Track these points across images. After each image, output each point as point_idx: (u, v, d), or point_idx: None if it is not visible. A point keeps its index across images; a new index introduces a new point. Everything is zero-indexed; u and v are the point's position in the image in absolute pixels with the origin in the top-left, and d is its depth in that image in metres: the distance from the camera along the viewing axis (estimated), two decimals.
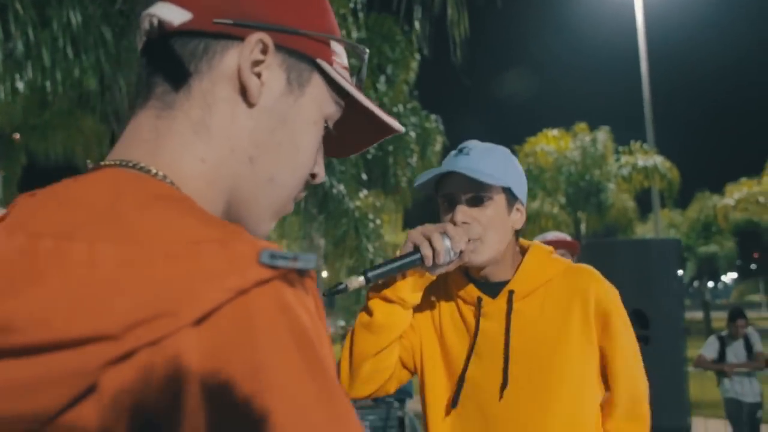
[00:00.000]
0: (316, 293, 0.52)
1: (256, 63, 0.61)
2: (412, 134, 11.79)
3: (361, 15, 9.11)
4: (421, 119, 12.29)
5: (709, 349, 7.11)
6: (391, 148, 11.08)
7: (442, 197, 1.50)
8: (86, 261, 0.46)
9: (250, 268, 0.46)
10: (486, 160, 1.46)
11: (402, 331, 1.45)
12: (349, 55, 0.72)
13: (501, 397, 1.42)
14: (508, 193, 1.48)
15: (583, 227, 18.23)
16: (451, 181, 1.46)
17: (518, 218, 1.51)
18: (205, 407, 0.42)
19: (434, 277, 1.48)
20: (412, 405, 6.03)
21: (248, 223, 0.65)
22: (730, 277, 74.60)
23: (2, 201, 12.89)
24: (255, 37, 0.61)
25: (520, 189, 1.51)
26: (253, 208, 0.64)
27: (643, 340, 4.62)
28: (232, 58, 0.61)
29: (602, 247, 4.86)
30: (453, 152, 1.52)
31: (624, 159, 17.81)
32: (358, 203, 10.03)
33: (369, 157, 11.07)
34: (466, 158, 1.46)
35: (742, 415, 6.65)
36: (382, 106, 11.43)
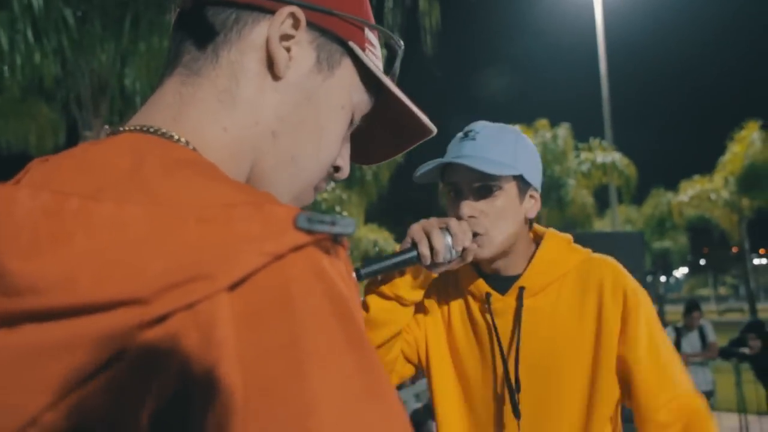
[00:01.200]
0: (347, 261, 0.50)
1: (287, 37, 0.60)
2: None
3: None
4: None
5: None
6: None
7: (447, 186, 1.37)
8: (115, 222, 0.43)
9: (287, 232, 0.44)
10: (494, 145, 1.32)
11: (400, 328, 1.37)
12: (384, 48, 0.71)
13: (510, 399, 1.33)
14: (520, 180, 1.34)
15: (543, 222, 18.54)
16: (457, 169, 1.32)
17: (532, 206, 1.37)
18: (240, 375, 0.40)
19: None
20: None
21: None
22: (681, 271, 76.91)
23: None
24: (287, 10, 0.59)
25: (534, 174, 1.37)
26: (272, 185, 0.63)
27: None
28: (263, 29, 0.60)
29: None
30: (459, 135, 1.38)
31: (583, 155, 18.16)
32: (324, 196, 10.00)
33: None
34: (472, 144, 1.32)
35: None
36: None
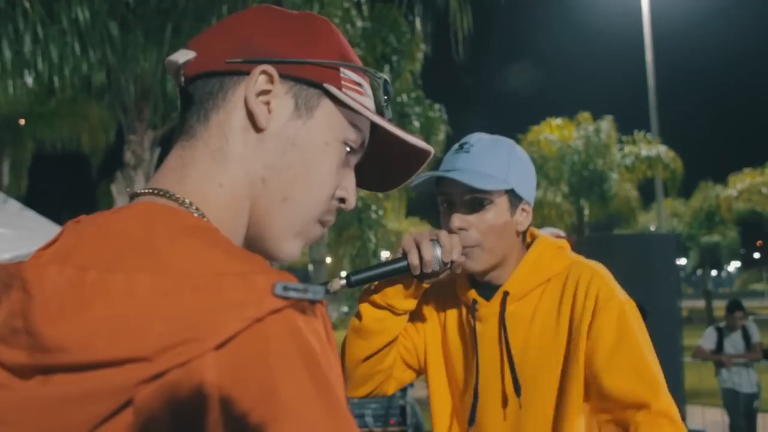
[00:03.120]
0: (326, 319, 0.60)
1: (264, 92, 0.69)
2: (416, 124, 11.81)
3: (365, 6, 9.10)
4: (424, 109, 12.30)
5: (707, 340, 7.17)
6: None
7: (441, 197, 1.40)
8: (125, 290, 0.54)
9: (266, 299, 0.53)
10: (487, 158, 1.35)
11: (393, 337, 1.38)
12: (374, 86, 0.77)
13: (505, 404, 1.36)
14: (512, 194, 1.36)
15: (586, 216, 18.25)
16: (450, 181, 1.34)
17: (523, 219, 1.39)
18: (223, 421, 0.51)
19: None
20: (414, 393, 6.14)
21: (270, 242, 0.71)
22: (733, 266, 74.41)
23: (10, 187, 12.97)
24: (258, 70, 0.68)
25: (526, 188, 1.39)
26: (271, 227, 0.71)
27: None
28: (242, 90, 0.69)
29: (602, 241, 4.93)
30: (454, 147, 1.41)
31: (627, 149, 17.75)
32: (360, 194, 10.11)
33: None
34: (466, 157, 1.35)
35: (739, 405, 6.74)
36: None
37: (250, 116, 0.68)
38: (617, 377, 1.27)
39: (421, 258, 1.25)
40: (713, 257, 30.61)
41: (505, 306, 1.38)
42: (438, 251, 1.26)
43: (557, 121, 18.32)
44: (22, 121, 12.40)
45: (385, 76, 0.78)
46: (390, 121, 0.77)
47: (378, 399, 4.41)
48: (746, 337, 7.02)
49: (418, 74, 12.22)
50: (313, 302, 0.57)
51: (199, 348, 0.51)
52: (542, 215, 17.52)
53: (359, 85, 0.74)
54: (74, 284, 0.55)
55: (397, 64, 11.52)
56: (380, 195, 12.51)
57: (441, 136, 12.77)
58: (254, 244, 0.72)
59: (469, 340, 1.43)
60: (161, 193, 0.67)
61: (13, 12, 4.50)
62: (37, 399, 0.52)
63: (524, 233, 1.44)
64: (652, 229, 23.85)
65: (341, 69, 0.72)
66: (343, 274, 1.23)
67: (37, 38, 4.50)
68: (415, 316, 1.47)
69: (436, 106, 12.66)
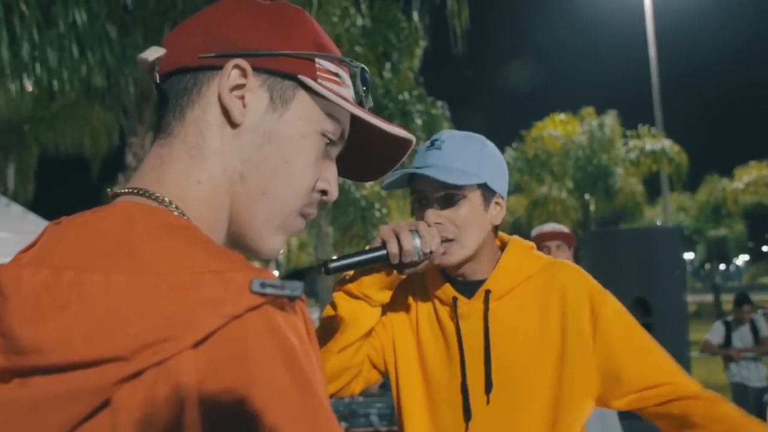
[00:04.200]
0: (306, 314, 0.59)
1: (238, 87, 0.68)
2: (419, 121, 11.79)
3: (364, 4, 9.09)
4: (427, 106, 12.27)
5: (715, 334, 7.15)
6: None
7: (415, 195, 1.41)
8: (102, 290, 0.53)
9: (243, 296, 0.53)
10: (459, 154, 1.35)
11: (368, 329, 1.37)
12: (353, 74, 0.75)
13: (487, 402, 1.36)
14: (484, 188, 1.37)
15: (591, 212, 18.21)
16: (422, 178, 1.35)
17: (497, 213, 1.40)
18: (202, 419, 0.50)
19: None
20: None
21: (251, 237, 0.71)
22: (741, 259, 74.11)
23: (16, 191, 13.03)
24: (231, 64, 0.67)
25: (499, 182, 1.40)
26: (252, 222, 0.70)
27: (645, 327, 4.69)
28: (216, 85, 0.68)
29: (606, 235, 4.90)
30: (425, 144, 1.41)
31: (632, 143, 17.70)
32: (364, 192, 10.12)
33: None
34: (438, 153, 1.36)
35: (748, 399, 6.70)
36: (387, 93, 11.42)
37: (225, 112, 0.68)
38: (640, 362, 1.35)
39: (400, 248, 1.24)
40: (721, 251, 30.51)
41: (488, 304, 1.39)
42: (417, 241, 1.25)
43: (561, 116, 18.30)
44: (26, 127, 12.47)
45: (362, 64, 0.76)
46: (369, 110, 0.75)
47: (383, 398, 4.40)
48: (755, 330, 6.99)
49: (418, 71, 12.21)
50: (291, 298, 0.56)
51: (176, 346, 0.50)
52: (548, 211, 17.49)
53: (336, 75, 0.72)
54: (50, 285, 0.54)
55: (398, 62, 11.51)
56: (384, 193, 12.55)
57: None
58: (237, 241, 0.71)
59: (450, 337, 1.42)
60: (141, 192, 0.66)
61: (10, 16, 4.50)
62: (14, 401, 0.52)
63: (496, 229, 1.44)
64: (659, 223, 23.79)
65: (317, 60, 0.70)
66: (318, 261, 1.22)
67: (35, 42, 4.51)
68: (383, 315, 1.44)
69: (439, 103, 12.64)
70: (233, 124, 0.68)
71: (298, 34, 0.71)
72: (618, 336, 1.36)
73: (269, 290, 0.53)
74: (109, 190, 0.71)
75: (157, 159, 0.69)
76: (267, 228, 0.70)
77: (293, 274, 1.31)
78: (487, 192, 1.38)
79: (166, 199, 0.65)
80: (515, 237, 1.48)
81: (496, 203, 1.40)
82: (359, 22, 10.01)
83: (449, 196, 1.34)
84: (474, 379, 1.38)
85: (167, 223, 0.61)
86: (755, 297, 7.51)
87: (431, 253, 1.27)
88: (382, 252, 1.25)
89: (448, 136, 1.40)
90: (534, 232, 3.48)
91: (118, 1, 4.98)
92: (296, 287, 0.55)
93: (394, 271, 1.30)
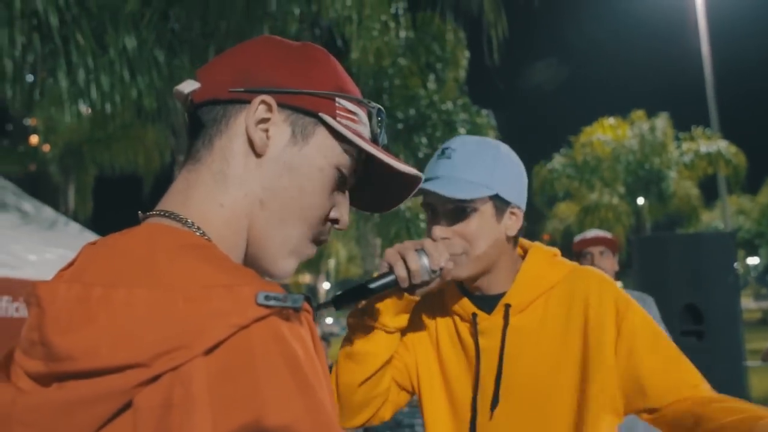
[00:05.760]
0: (313, 327, 0.65)
1: (263, 120, 0.74)
2: (463, 130, 11.78)
3: (403, 18, 9.15)
4: (471, 115, 12.25)
5: None
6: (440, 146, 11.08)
7: (424, 206, 1.36)
8: (126, 304, 0.59)
9: (250, 308, 0.59)
10: (470, 164, 1.30)
11: (388, 356, 1.32)
12: (370, 114, 0.81)
13: (491, 418, 1.31)
14: (497, 199, 1.31)
15: (644, 216, 17.74)
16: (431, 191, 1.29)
17: (512, 224, 1.34)
18: (212, 420, 0.56)
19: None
20: None
21: (266, 259, 0.76)
22: None
23: (76, 210, 13.61)
24: (258, 99, 0.74)
25: (513, 191, 1.33)
26: (267, 245, 0.76)
27: (697, 335, 4.54)
28: (243, 118, 0.74)
29: (654, 242, 4.77)
30: (437, 153, 1.36)
31: (686, 145, 17.20)
32: (409, 204, 10.14)
33: (420, 156, 11.14)
34: (448, 163, 1.31)
35: None
36: (431, 104, 11.46)
37: (250, 142, 0.74)
38: (665, 376, 1.27)
39: (408, 270, 1.20)
40: None
41: (508, 319, 1.34)
42: (425, 260, 1.20)
43: (610, 120, 17.94)
44: (84, 147, 13.02)
45: (379, 105, 0.82)
46: (384, 148, 0.82)
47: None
48: None
49: (463, 81, 12.20)
50: (296, 310, 0.61)
51: (189, 353, 0.56)
52: (599, 217, 17.15)
53: (354, 113, 0.78)
54: (81, 299, 0.61)
55: (442, 72, 11.54)
56: None
57: None
58: (253, 262, 0.77)
59: (470, 354, 1.37)
60: (167, 214, 0.72)
61: (68, 46, 4.77)
62: (51, 402, 0.58)
63: (515, 239, 1.39)
64: (722, 227, 22.95)
65: (337, 99, 0.77)
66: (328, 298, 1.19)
67: (89, 68, 4.76)
68: (404, 335, 1.40)
69: (484, 111, 12.60)
70: (257, 154, 0.74)
71: (321, 74, 0.77)
72: (642, 348, 1.28)
73: (272, 302, 0.59)
74: (139, 212, 0.77)
75: (184, 183, 0.75)
76: (281, 252, 0.76)
77: (319, 306, 1.28)
78: (499, 203, 1.32)
79: (189, 220, 0.71)
80: (536, 244, 1.42)
81: (512, 213, 1.34)
82: (402, 34, 10.10)
83: (459, 209, 1.30)
84: (484, 396, 1.34)
85: (186, 243, 0.67)
86: None
87: (441, 269, 1.22)
88: (391, 278, 1.20)
89: (460, 144, 1.34)
90: (576, 238, 3.44)
91: (166, 25, 5.21)
92: (297, 299, 0.61)
93: (406, 294, 1.26)
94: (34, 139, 14.40)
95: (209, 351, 0.57)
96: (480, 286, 1.37)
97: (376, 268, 13.99)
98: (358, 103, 0.80)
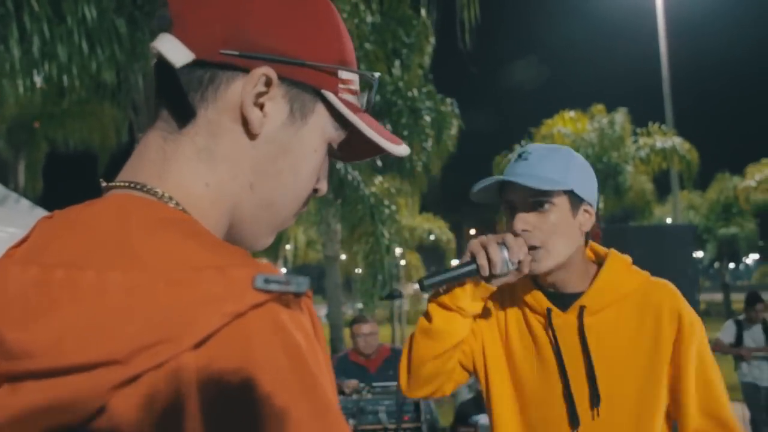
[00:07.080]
0: (312, 311, 0.56)
1: (260, 95, 0.63)
2: (428, 118, 11.73)
3: (374, 2, 9.05)
4: (436, 103, 12.20)
5: (726, 333, 7.11)
6: (406, 132, 11.05)
7: (504, 205, 1.46)
8: (96, 289, 0.50)
9: (246, 293, 0.50)
10: (545, 163, 1.40)
11: (460, 338, 1.43)
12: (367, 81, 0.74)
13: (598, 415, 1.39)
14: (572, 195, 1.41)
15: (600, 210, 18.09)
16: (511, 188, 1.41)
17: (585, 220, 1.44)
18: (204, 426, 0.46)
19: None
20: None
21: (246, 238, 0.69)
22: (752, 258, 73.46)
23: (25, 187, 13.09)
24: (259, 72, 0.62)
25: (586, 189, 1.43)
26: (253, 227, 0.68)
27: None
28: (237, 89, 0.63)
29: (617, 232, 4.85)
30: (513, 158, 1.48)
31: (642, 141, 17.57)
32: (373, 189, 10.08)
33: None
34: (525, 164, 1.41)
35: (759, 399, 6.67)
36: (396, 91, 11.40)
37: (243, 118, 0.63)
38: (697, 397, 1.39)
39: (489, 260, 1.31)
40: (731, 249, 30.22)
41: (583, 319, 1.42)
42: (505, 253, 1.32)
43: (571, 113, 18.19)
44: (36, 124, 12.52)
45: (378, 73, 0.75)
46: (366, 112, 0.74)
47: (391, 396, 4.38)
48: (766, 330, 6.94)
49: (428, 68, 12.16)
50: (297, 295, 0.53)
51: (175, 348, 0.47)
52: None
53: (351, 81, 0.70)
54: (40, 284, 0.51)
55: (407, 59, 11.45)
56: (393, 190, 12.53)
57: (453, 131, 12.72)
58: (232, 237, 0.69)
59: (543, 345, 1.46)
60: (138, 186, 0.62)
61: (20, 12, 4.49)
62: (4, 409, 0.48)
63: (587, 239, 1.48)
64: (669, 221, 23.63)
65: (339, 71, 0.68)
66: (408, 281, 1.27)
67: (45, 38, 4.49)
68: (473, 321, 1.50)
69: (448, 100, 12.58)
70: (250, 134, 0.64)
71: (325, 38, 0.67)
72: (698, 371, 1.39)
73: (273, 286, 0.51)
74: (102, 182, 0.66)
75: (159, 153, 0.64)
76: (267, 230, 0.70)
77: (390, 296, 1.43)
78: (574, 199, 1.42)
79: (167, 194, 0.61)
80: (613, 251, 1.50)
81: (585, 210, 1.44)
82: (369, 18, 9.96)
83: (538, 203, 1.39)
84: (577, 390, 1.41)
85: (165, 216, 0.58)
86: (765, 296, 7.44)
87: (520, 263, 1.33)
88: (472, 266, 1.33)
89: (535, 148, 1.45)
90: None
91: None
92: (302, 282, 0.52)
93: (484, 283, 1.37)
94: None
95: (199, 344, 0.48)
96: (554, 282, 1.46)
97: (335, 253, 13.88)
98: (357, 74, 0.71)
